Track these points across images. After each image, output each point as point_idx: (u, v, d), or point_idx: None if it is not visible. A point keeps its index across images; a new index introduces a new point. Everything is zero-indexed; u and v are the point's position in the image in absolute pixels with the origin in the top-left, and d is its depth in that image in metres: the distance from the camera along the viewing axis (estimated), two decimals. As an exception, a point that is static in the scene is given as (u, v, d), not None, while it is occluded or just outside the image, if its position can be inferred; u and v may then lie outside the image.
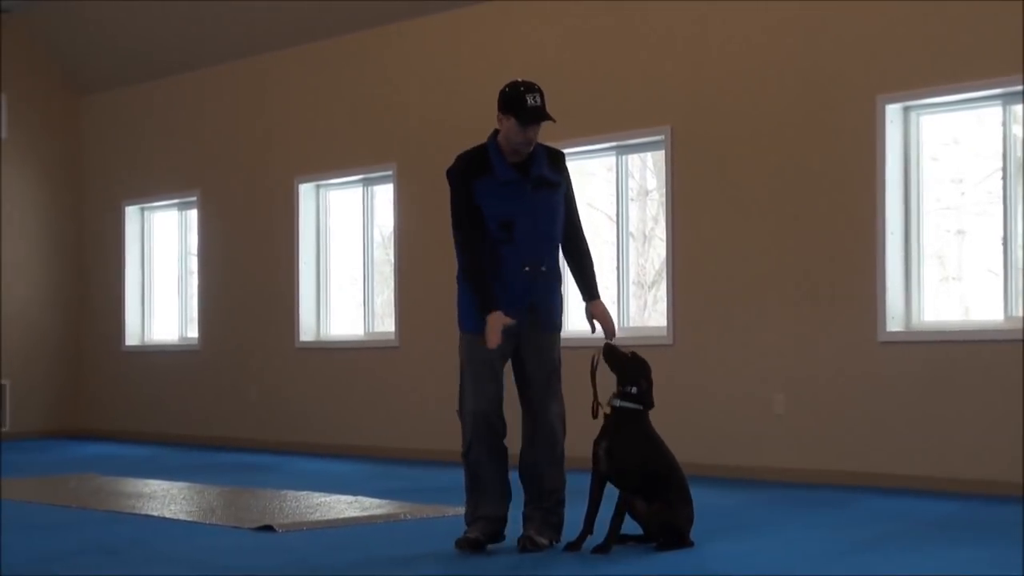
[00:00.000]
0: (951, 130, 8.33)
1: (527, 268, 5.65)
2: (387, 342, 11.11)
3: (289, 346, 11.83)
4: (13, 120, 13.42)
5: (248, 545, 6.03)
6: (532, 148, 5.65)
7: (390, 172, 11.09)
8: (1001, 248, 7.95)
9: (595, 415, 5.69)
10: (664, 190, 9.38)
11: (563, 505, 5.78)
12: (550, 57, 9.89)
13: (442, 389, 9.46)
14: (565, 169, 5.84)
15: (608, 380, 5.70)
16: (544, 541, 5.67)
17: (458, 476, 5.96)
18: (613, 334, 5.81)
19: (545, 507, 5.73)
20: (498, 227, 5.62)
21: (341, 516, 6.89)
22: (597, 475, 5.64)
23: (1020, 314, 7.83)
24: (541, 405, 5.72)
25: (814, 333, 8.48)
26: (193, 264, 13.08)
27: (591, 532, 5.62)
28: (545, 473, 5.73)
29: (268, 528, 6.42)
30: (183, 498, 7.87)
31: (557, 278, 5.81)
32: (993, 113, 8.03)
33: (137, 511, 7.27)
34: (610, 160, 9.86)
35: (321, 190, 11.86)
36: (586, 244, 5.90)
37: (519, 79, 5.72)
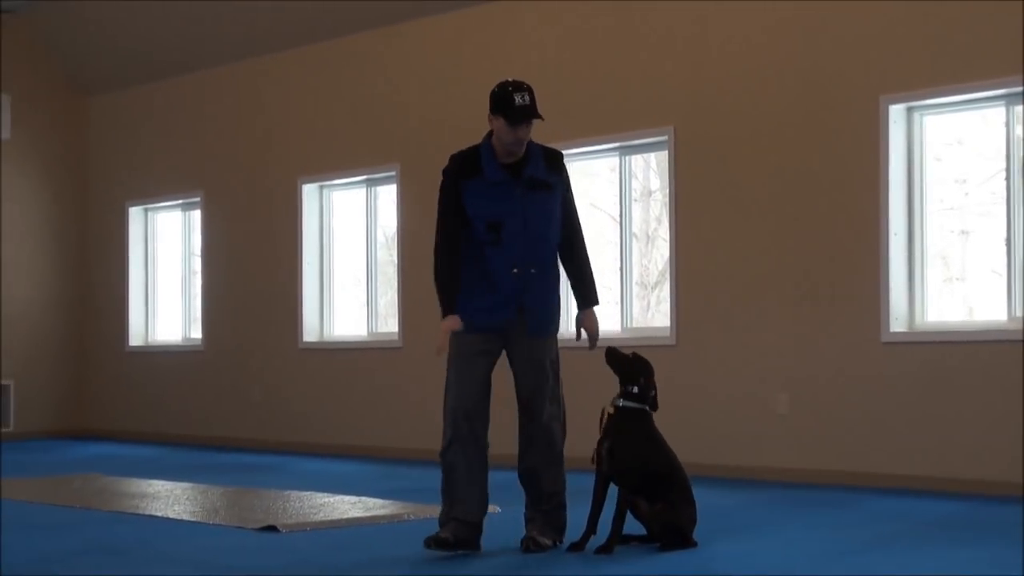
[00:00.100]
0: (954, 130, 8.32)
1: (516, 270, 5.57)
2: (390, 343, 11.12)
3: (292, 346, 11.84)
4: (16, 121, 13.42)
5: (252, 545, 6.03)
6: (524, 148, 5.58)
7: (393, 173, 11.10)
8: (1004, 248, 7.95)
9: (593, 461, 5.66)
10: (667, 191, 9.38)
11: (564, 508, 5.77)
12: (552, 58, 9.90)
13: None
14: (563, 170, 5.76)
15: (610, 385, 5.70)
16: (547, 541, 5.66)
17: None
18: (594, 346, 5.81)
19: (545, 509, 5.73)
20: (486, 228, 5.55)
21: (345, 516, 6.90)
22: (600, 475, 5.64)
23: (1023, 314, 7.83)
24: (535, 408, 5.69)
25: (817, 334, 8.48)
26: (197, 265, 13.09)
27: (594, 532, 5.62)
28: (543, 475, 5.71)
29: (272, 528, 6.43)
30: (187, 498, 7.87)
31: (553, 280, 5.71)
32: (997, 113, 8.03)
33: (141, 511, 7.27)
34: (613, 161, 9.86)
35: (324, 191, 11.87)
36: (584, 249, 5.79)
37: (508, 79, 5.68)
